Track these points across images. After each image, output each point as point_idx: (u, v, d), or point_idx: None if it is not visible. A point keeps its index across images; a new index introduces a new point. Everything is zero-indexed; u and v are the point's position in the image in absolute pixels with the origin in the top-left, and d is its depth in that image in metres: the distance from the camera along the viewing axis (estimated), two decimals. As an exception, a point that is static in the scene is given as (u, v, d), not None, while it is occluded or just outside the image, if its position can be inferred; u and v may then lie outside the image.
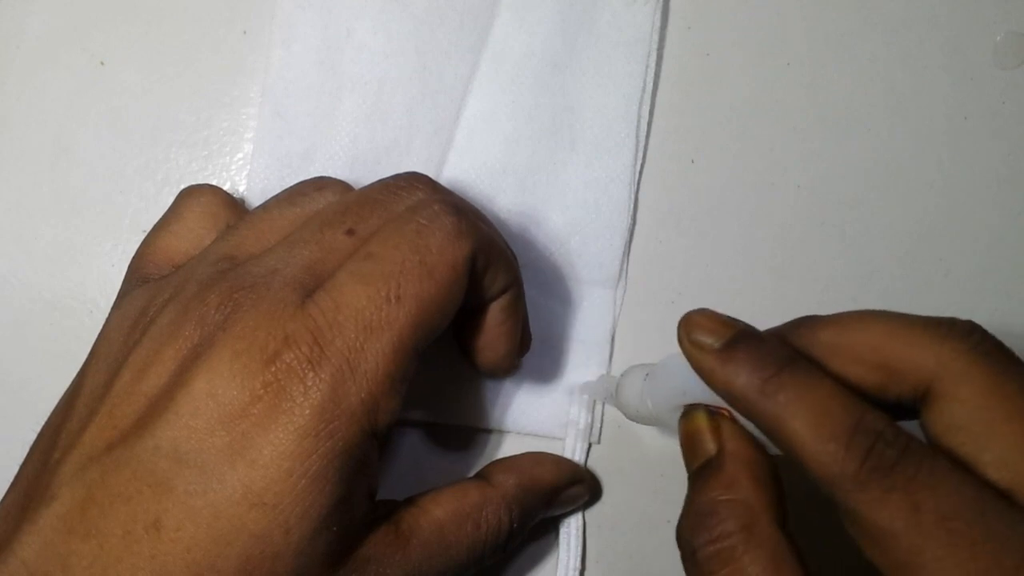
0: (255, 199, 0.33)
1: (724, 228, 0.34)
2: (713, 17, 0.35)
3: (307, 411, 0.22)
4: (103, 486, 0.22)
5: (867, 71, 0.35)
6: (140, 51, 0.34)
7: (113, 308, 0.27)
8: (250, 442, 0.22)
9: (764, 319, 0.34)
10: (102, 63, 0.34)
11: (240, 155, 0.34)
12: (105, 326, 0.26)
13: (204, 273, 0.25)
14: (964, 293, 0.34)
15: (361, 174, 0.33)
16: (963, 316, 0.34)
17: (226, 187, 0.33)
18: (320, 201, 0.27)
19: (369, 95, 0.33)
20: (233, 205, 0.29)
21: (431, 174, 0.27)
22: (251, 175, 0.33)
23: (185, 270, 0.26)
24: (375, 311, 0.23)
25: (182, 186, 0.30)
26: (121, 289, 0.28)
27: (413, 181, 0.27)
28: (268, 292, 0.23)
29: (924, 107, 0.35)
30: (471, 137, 0.33)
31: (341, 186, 0.28)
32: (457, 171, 0.33)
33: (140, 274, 0.28)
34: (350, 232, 0.25)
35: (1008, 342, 0.22)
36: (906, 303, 0.34)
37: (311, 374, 0.22)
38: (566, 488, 0.31)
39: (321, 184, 0.28)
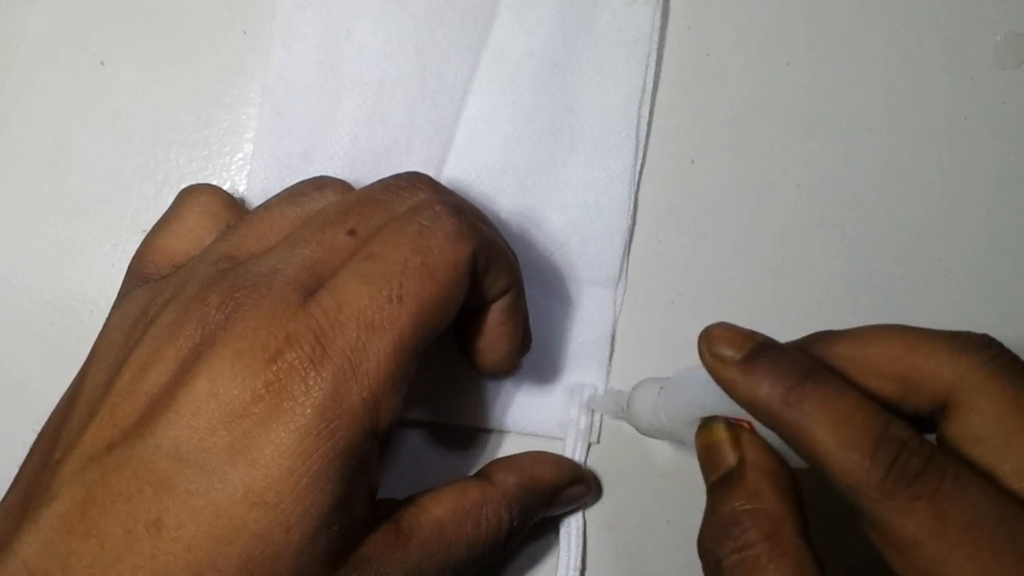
0: (255, 199, 0.33)
1: (724, 228, 0.34)
2: (713, 17, 0.35)
3: (308, 410, 0.22)
4: (104, 485, 0.22)
5: (867, 71, 0.35)
6: (140, 51, 0.34)
7: (113, 308, 0.27)
8: (251, 441, 0.22)
9: (764, 319, 0.34)
10: (102, 63, 0.34)
11: (240, 155, 0.34)
12: (105, 326, 0.26)
13: (205, 273, 0.25)
14: (964, 293, 0.34)
15: (361, 174, 0.33)
16: (962, 316, 0.34)
17: (226, 187, 0.33)
18: (320, 201, 0.27)
19: (369, 95, 0.33)
20: (233, 205, 0.29)
21: (431, 174, 0.27)
22: (251, 175, 0.33)
23: (185, 270, 0.26)
24: (377, 311, 0.23)
25: (182, 186, 0.30)
26: (121, 289, 0.28)
27: (415, 181, 0.27)
28: (269, 291, 0.23)
29: (924, 107, 0.35)
30: (471, 137, 0.33)
31: (341, 185, 0.28)
32: (457, 171, 0.33)
33: (140, 274, 0.28)
34: (351, 232, 0.25)
35: (1008, 343, 0.22)
36: (906, 303, 0.34)
37: (313, 373, 0.22)
38: (566, 487, 0.31)
39: (321, 184, 0.28)
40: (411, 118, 0.33)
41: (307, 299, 0.23)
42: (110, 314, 0.27)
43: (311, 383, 0.22)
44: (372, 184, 0.27)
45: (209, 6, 0.34)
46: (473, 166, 0.33)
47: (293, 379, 0.22)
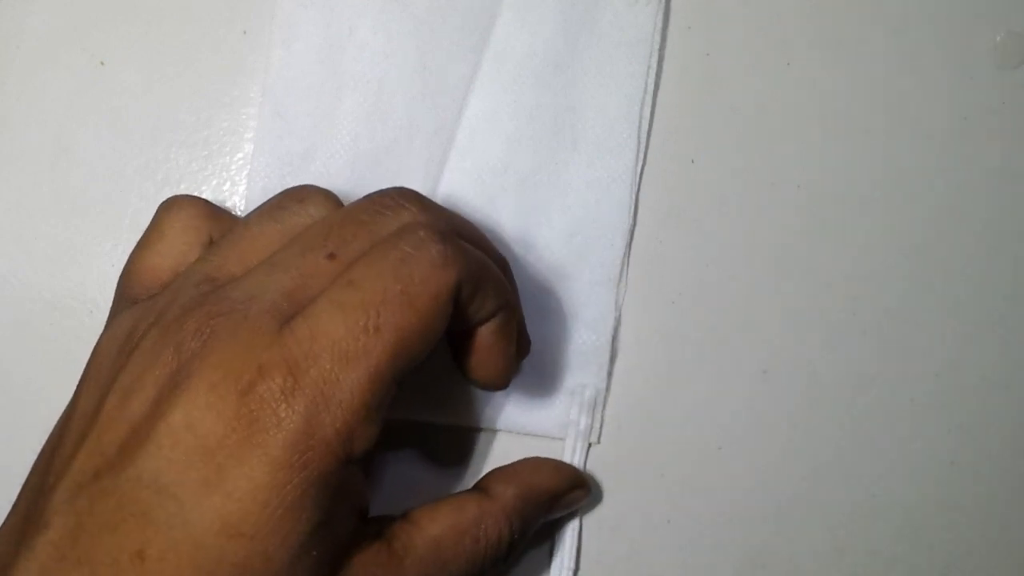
0: (255, 199, 0.32)
1: (724, 228, 0.34)
2: (713, 17, 0.35)
3: (280, 443, 0.22)
4: (91, 514, 0.22)
5: (867, 71, 0.35)
6: (140, 51, 0.34)
7: (104, 329, 0.27)
8: (226, 474, 0.22)
9: (764, 319, 0.34)
10: (102, 63, 0.34)
11: (240, 155, 0.34)
12: (96, 348, 0.26)
13: (187, 296, 0.25)
14: (964, 293, 0.34)
15: (361, 174, 0.33)
16: (962, 316, 0.34)
17: (226, 187, 0.33)
18: (302, 215, 0.27)
19: (370, 95, 0.33)
20: (215, 215, 0.29)
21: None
22: (251, 175, 0.33)
23: (170, 291, 0.26)
24: (352, 341, 0.23)
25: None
26: (111, 310, 0.28)
27: (400, 199, 0.26)
28: (245, 320, 0.23)
29: (924, 107, 0.34)
30: (472, 137, 0.33)
31: (323, 196, 0.27)
32: (458, 171, 0.33)
33: (128, 295, 0.27)
34: (331, 256, 0.25)
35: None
36: (906, 303, 0.34)
37: (284, 406, 0.22)
38: (566, 493, 0.31)
39: (303, 195, 0.27)
40: (412, 118, 0.33)
41: (283, 327, 0.23)
42: (100, 336, 0.27)
43: (283, 415, 0.22)
44: (357, 202, 0.27)
45: (209, 6, 0.34)
46: (474, 166, 0.33)
47: (265, 412, 0.22)
